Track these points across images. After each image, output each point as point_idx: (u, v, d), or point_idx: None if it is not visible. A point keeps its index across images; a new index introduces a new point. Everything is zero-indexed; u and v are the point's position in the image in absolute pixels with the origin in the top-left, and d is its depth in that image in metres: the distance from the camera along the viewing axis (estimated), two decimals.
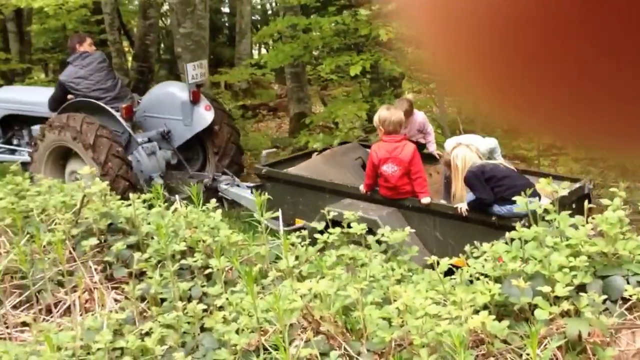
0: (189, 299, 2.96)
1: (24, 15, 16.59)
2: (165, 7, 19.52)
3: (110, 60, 15.03)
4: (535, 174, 6.25)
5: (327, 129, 10.12)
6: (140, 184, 7.35)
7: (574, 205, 5.59)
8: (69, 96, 7.64)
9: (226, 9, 21.53)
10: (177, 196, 3.89)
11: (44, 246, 3.26)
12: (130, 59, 18.28)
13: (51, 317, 2.99)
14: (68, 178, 7.38)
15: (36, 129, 7.75)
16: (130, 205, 3.68)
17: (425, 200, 5.40)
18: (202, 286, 3.08)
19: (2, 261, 3.09)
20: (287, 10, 10.62)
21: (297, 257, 3.35)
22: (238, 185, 7.30)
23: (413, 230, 3.96)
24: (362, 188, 5.67)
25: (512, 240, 3.12)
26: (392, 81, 9.41)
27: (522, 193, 3.84)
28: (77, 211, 3.63)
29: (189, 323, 2.72)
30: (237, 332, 2.54)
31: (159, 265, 3.21)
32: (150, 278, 3.05)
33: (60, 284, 3.13)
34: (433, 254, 4.00)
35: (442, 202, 5.59)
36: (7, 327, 2.85)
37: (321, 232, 3.68)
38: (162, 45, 21.11)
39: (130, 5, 22.25)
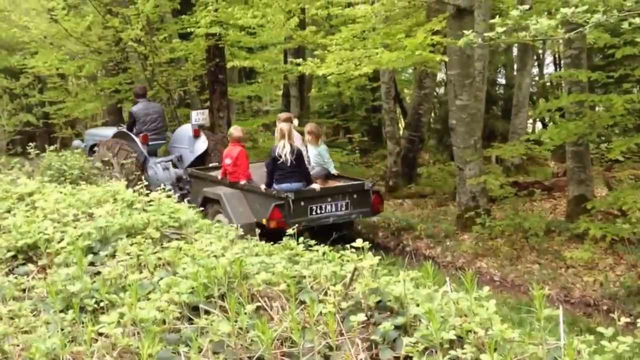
0: None
1: (305, 81, 17.73)
2: (440, 76, 19.75)
3: (380, 127, 15.42)
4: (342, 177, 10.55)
5: (611, 216, 9.25)
6: (152, 187, 11.72)
7: (355, 196, 9.62)
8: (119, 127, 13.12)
9: (502, 80, 21.21)
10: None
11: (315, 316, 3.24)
12: (402, 127, 18.68)
13: None
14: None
15: None
16: (399, 282, 3.56)
17: (242, 182, 9.66)
18: None
19: (276, 328, 3.11)
20: (572, 85, 9.99)
21: None
22: None
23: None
24: (219, 176, 10.05)
25: None
26: None
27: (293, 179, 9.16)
28: (347, 284, 3.59)
29: None
30: None
31: (426, 352, 3.02)
32: None
33: (327, 357, 3.06)
34: (256, 215, 8.97)
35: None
36: None
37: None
38: (434, 114, 21.32)
39: (404, 74, 22.86)
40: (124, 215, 4.44)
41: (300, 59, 11.97)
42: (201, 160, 12.17)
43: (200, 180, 10.71)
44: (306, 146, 10.25)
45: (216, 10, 14.24)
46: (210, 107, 16.49)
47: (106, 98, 19.52)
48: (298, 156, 9.18)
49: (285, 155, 9.03)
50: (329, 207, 9.38)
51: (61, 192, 5.58)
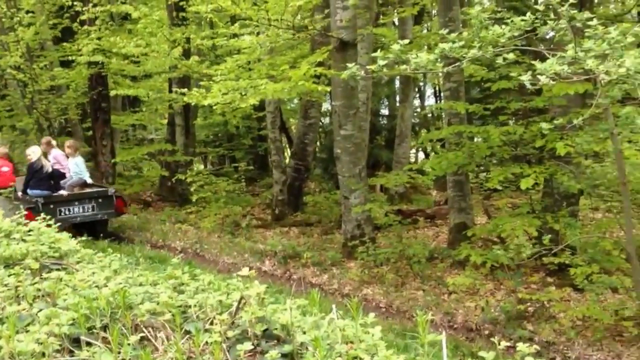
0: None
1: (190, 109, 17.54)
2: (326, 106, 20.05)
3: (266, 156, 15.39)
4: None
5: (490, 243, 9.58)
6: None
7: (100, 200, 11.86)
8: None
9: (385, 111, 21.84)
10: None
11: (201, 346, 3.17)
12: (288, 156, 18.78)
13: None
14: None
15: None
16: (285, 310, 3.55)
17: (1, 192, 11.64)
18: None
19: (161, 358, 3.02)
20: (452, 116, 10.41)
21: None
22: None
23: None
24: None
25: None
26: (567, 197, 8.76)
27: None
28: (233, 313, 3.53)
29: None
30: None
31: None
32: None
33: None
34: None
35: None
36: None
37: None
38: (319, 144, 21.58)
39: (290, 104, 23.09)
40: (1, 246, 4.21)
41: (186, 89, 11.89)
42: None
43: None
44: (67, 158, 12.37)
45: (99, 38, 13.99)
46: (93, 135, 16.07)
47: None
48: (51, 170, 11.67)
49: (42, 166, 11.39)
50: (76, 209, 11.72)
51: None
